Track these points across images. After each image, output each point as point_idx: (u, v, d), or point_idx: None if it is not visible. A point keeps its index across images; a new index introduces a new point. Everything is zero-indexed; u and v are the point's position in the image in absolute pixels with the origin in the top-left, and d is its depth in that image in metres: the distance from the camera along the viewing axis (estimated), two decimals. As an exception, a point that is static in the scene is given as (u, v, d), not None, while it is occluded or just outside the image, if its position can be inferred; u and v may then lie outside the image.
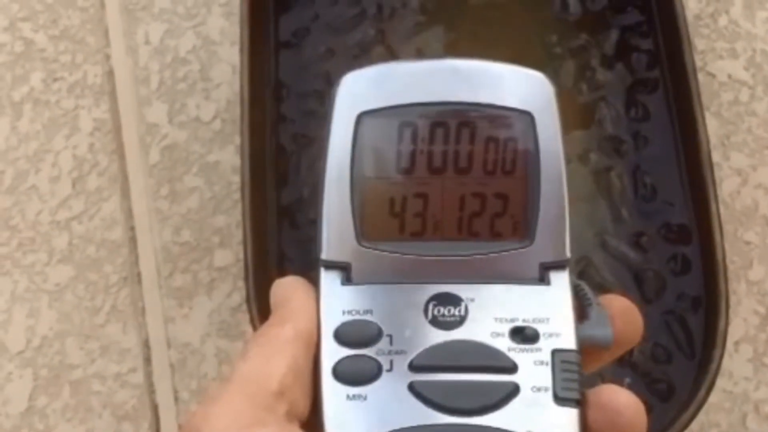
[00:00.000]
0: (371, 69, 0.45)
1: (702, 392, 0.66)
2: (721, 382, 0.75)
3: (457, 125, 0.44)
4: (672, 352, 0.71)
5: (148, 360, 0.78)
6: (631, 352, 0.71)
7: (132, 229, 0.80)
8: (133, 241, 0.80)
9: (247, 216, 0.70)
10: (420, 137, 0.44)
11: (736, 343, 0.76)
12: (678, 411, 0.66)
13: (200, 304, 0.79)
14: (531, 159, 0.44)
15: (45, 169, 0.81)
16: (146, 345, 0.79)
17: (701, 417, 0.72)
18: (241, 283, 0.76)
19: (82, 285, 0.79)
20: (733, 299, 0.76)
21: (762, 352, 0.76)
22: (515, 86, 0.44)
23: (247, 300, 0.69)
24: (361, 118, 0.44)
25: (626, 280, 0.73)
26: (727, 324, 0.68)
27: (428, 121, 0.44)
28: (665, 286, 0.73)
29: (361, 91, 0.44)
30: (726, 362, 0.74)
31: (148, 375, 0.78)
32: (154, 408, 0.78)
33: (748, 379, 0.76)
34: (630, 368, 0.71)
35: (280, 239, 0.75)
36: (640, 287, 0.73)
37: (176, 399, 0.78)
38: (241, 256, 0.71)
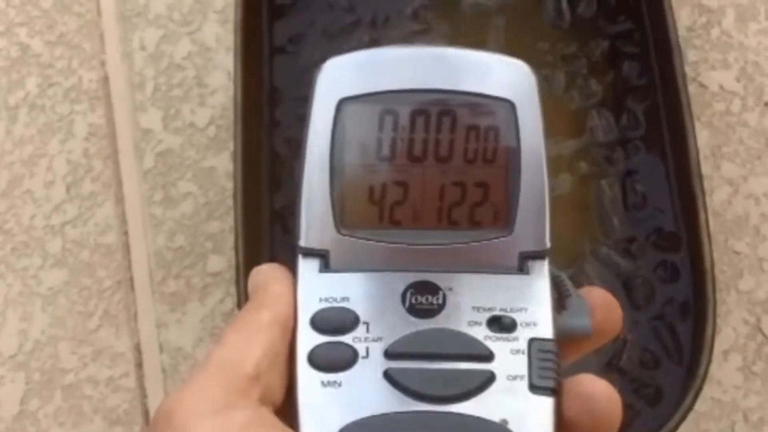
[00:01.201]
0: (353, 54, 0.45)
1: (689, 398, 0.66)
2: (710, 391, 0.75)
3: (438, 113, 0.44)
4: (660, 358, 0.72)
5: (140, 365, 0.79)
6: (620, 356, 0.72)
7: (125, 234, 0.81)
8: (126, 246, 0.80)
9: (240, 220, 0.70)
10: (401, 125, 0.44)
11: (726, 352, 0.76)
12: (666, 417, 0.67)
13: (193, 309, 0.79)
14: (512, 148, 0.44)
15: (39, 173, 0.81)
16: (138, 350, 0.79)
17: (691, 425, 0.72)
18: (234, 289, 0.76)
19: (76, 289, 0.79)
20: (723, 309, 0.76)
21: (751, 361, 0.76)
22: (497, 74, 0.44)
23: (239, 305, 0.69)
24: (341, 104, 0.44)
25: (616, 287, 0.73)
26: (714, 331, 0.68)
27: (409, 108, 0.44)
28: (654, 293, 0.73)
29: (342, 76, 0.44)
30: (716, 371, 0.74)
31: (140, 379, 0.78)
32: (146, 413, 0.78)
33: (738, 387, 0.76)
34: (618, 373, 0.71)
35: (272, 244, 0.75)
36: (630, 294, 0.73)
37: (168, 404, 0.78)
38: (234, 261, 0.71)
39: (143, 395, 0.78)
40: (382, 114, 0.44)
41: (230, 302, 0.79)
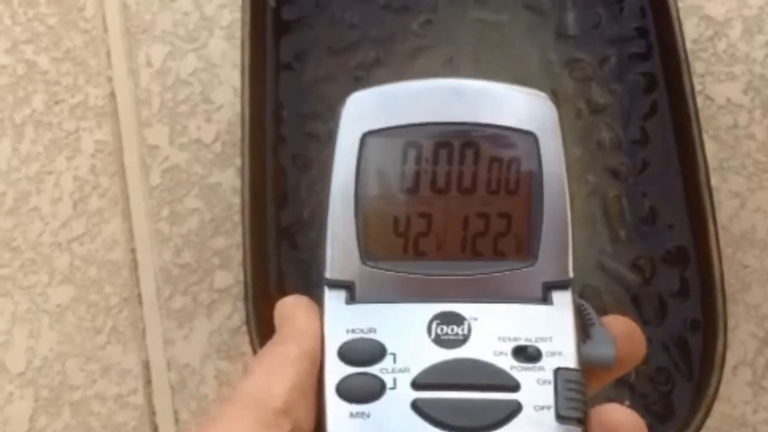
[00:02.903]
0: (376, 89, 0.45)
1: (700, 414, 0.66)
2: (719, 406, 0.75)
3: (460, 145, 0.44)
4: (671, 374, 0.72)
5: (148, 381, 0.78)
6: (629, 373, 0.72)
7: (133, 250, 0.81)
8: (133, 262, 0.80)
9: (247, 236, 0.70)
10: (424, 157, 0.44)
11: (735, 367, 0.76)
12: (676, 432, 0.67)
13: (200, 325, 0.79)
14: (534, 179, 0.44)
15: (46, 190, 0.81)
16: (146, 366, 0.79)
17: (700, 440, 0.72)
18: (240, 305, 0.76)
19: (83, 306, 0.79)
20: (731, 322, 0.76)
21: (761, 376, 0.76)
22: (519, 107, 0.45)
23: (247, 321, 0.69)
24: (365, 138, 0.44)
25: (625, 302, 0.73)
26: (725, 346, 0.68)
27: (432, 141, 0.44)
28: (664, 309, 0.73)
29: (365, 110, 0.45)
30: (725, 386, 0.74)
31: (148, 396, 0.78)
32: (154, 429, 0.78)
33: (747, 402, 0.76)
34: (629, 390, 0.71)
35: (279, 260, 0.75)
36: (639, 309, 0.73)
37: (176, 420, 0.78)
38: (241, 277, 0.71)
39: (151, 412, 0.78)
40: (405, 147, 0.44)
41: (237, 318, 0.78)
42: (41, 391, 0.78)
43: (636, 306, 0.73)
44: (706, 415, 0.67)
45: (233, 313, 0.79)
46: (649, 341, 0.72)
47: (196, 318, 0.79)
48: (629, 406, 0.68)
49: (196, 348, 0.79)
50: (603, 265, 0.74)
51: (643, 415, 0.70)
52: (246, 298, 0.70)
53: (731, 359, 0.76)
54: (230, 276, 0.79)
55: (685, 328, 0.72)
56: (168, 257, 0.80)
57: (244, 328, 0.72)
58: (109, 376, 0.78)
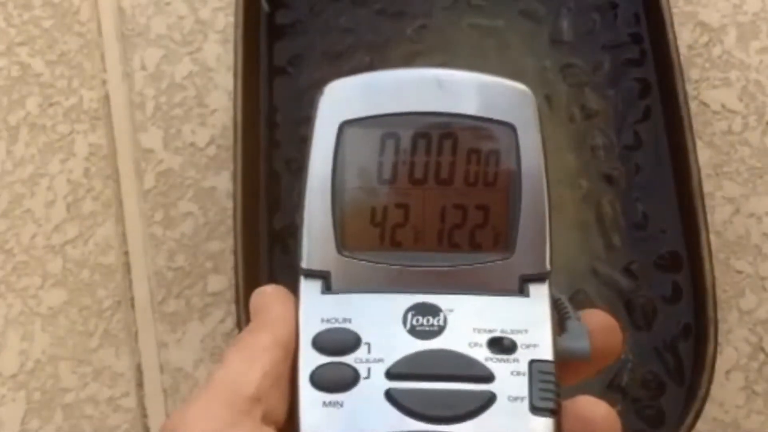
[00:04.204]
0: (355, 78, 0.45)
1: (690, 418, 0.66)
2: (712, 411, 0.75)
3: (439, 136, 0.44)
4: (662, 379, 0.72)
5: (140, 384, 0.78)
6: (621, 377, 0.72)
7: (126, 254, 0.81)
8: (126, 265, 0.80)
9: (239, 240, 0.70)
10: (402, 148, 0.44)
11: (728, 372, 0.76)
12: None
13: (193, 329, 0.79)
14: (512, 171, 0.44)
15: (40, 193, 0.81)
16: (139, 369, 0.79)
17: (693, 445, 0.72)
18: (234, 309, 0.76)
19: (76, 309, 0.79)
20: (724, 328, 0.76)
21: (753, 381, 0.76)
22: (498, 98, 0.44)
23: (239, 324, 0.69)
24: (343, 127, 0.44)
25: (617, 307, 0.73)
26: (716, 350, 0.68)
27: (410, 131, 0.44)
28: (655, 313, 0.73)
29: (344, 99, 0.44)
30: (717, 391, 0.74)
31: (141, 399, 0.78)
32: (147, 432, 0.78)
33: (740, 407, 0.76)
34: (620, 394, 0.71)
35: (271, 264, 0.75)
36: (631, 313, 0.73)
37: (168, 424, 0.78)
38: (234, 281, 0.71)
39: (144, 415, 0.78)
40: (383, 137, 0.44)
41: (230, 322, 0.78)
42: (33, 394, 0.78)
43: (628, 311, 0.73)
44: (696, 419, 0.67)
45: (226, 317, 0.79)
46: (641, 346, 0.72)
47: (189, 321, 0.79)
48: (619, 410, 0.69)
49: (188, 351, 0.78)
50: (596, 269, 0.74)
51: (634, 420, 0.71)
52: (238, 302, 0.70)
53: (724, 364, 0.76)
54: (224, 280, 0.79)
55: (677, 333, 0.72)
56: (161, 261, 0.80)
57: (237, 332, 0.73)
58: (102, 379, 0.78)
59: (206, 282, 0.79)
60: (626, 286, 0.74)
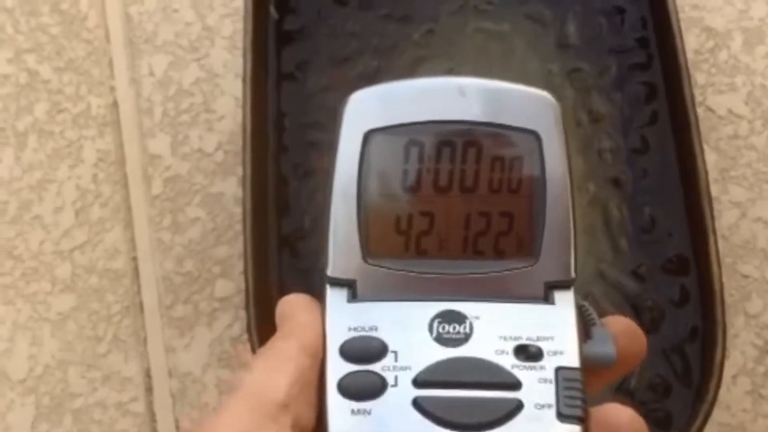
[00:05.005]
0: (378, 87, 0.45)
1: (699, 421, 0.66)
2: (719, 415, 0.75)
3: (463, 144, 0.44)
4: (670, 382, 0.72)
5: (149, 389, 0.79)
6: (629, 380, 0.72)
7: (134, 259, 0.81)
8: (135, 271, 0.81)
9: (249, 245, 0.70)
10: (426, 156, 0.44)
11: (734, 376, 0.76)
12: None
13: (201, 334, 0.79)
14: (537, 178, 0.44)
15: (48, 199, 0.82)
16: (147, 374, 0.79)
17: (700, 449, 0.72)
18: (242, 314, 0.76)
19: (85, 314, 0.79)
20: (731, 332, 0.76)
21: (760, 385, 0.76)
22: (521, 105, 0.44)
23: (248, 329, 0.69)
24: (368, 136, 0.44)
25: (625, 310, 0.73)
26: (724, 354, 0.68)
27: (435, 139, 0.44)
28: (663, 317, 0.73)
29: (368, 109, 0.45)
30: (724, 395, 0.74)
31: (149, 404, 0.78)
32: (155, 438, 0.78)
33: (746, 411, 0.76)
34: (628, 397, 0.71)
35: (280, 268, 0.75)
36: (639, 317, 0.73)
37: (177, 428, 0.78)
38: (242, 286, 0.71)
39: (152, 420, 0.78)
40: (407, 145, 0.44)
41: (238, 327, 0.79)
42: (43, 399, 0.78)
43: (636, 314, 0.73)
44: (704, 422, 0.67)
45: (234, 322, 0.79)
46: (649, 349, 0.72)
47: (198, 327, 0.79)
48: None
49: (197, 356, 0.79)
50: (603, 273, 0.74)
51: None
52: (247, 306, 0.70)
53: (731, 368, 0.76)
54: (231, 285, 0.80)
55: (685, 336, 0.72)
56: (169, 266, 0.80)
57: (245, 337, 0.73)
58: (111, 384, 0.78)
59: (214, 287, 0.80)
60: (633, 290, 0.74)
